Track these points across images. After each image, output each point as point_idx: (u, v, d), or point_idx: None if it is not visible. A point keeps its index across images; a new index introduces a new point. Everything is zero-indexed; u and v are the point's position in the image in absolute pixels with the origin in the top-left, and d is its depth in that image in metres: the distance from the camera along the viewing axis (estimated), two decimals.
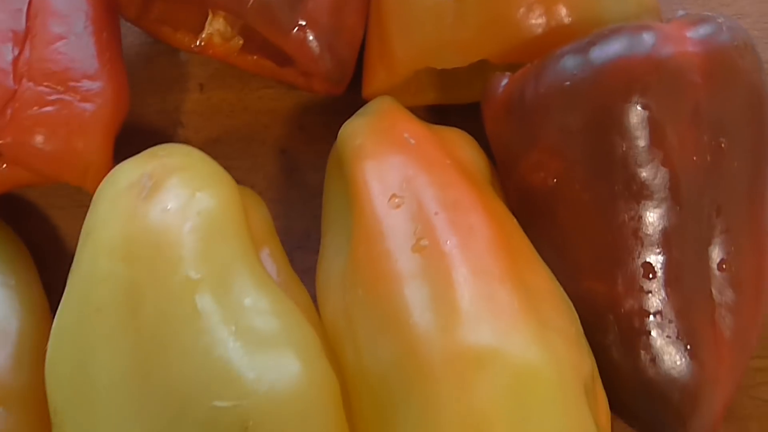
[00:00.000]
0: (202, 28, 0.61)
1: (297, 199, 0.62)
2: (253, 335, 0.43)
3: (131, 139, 0.54)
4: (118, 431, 0.41)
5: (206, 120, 0.64)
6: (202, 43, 0.61)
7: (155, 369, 0.41)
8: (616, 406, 0.49)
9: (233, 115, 0.65)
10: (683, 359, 0.48)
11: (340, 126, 0.56)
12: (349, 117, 0.56)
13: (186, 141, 0.61)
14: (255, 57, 0.62)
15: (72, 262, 0.55)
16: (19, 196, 0.61)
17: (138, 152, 0.51)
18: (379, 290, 0.45)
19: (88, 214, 0.47)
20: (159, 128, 0.64)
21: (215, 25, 0.60)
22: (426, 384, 0.41)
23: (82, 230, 0.46)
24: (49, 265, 0.56)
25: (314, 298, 0.51)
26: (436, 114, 0.60)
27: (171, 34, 0.63)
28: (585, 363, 0.46)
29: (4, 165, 0.54)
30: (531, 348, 0.42)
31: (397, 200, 0.48)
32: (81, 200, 0.58)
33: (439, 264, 0.45)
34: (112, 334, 0.42)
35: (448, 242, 0.45)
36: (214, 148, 0.54)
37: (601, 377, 0.49)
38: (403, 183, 0.49)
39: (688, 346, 0.47)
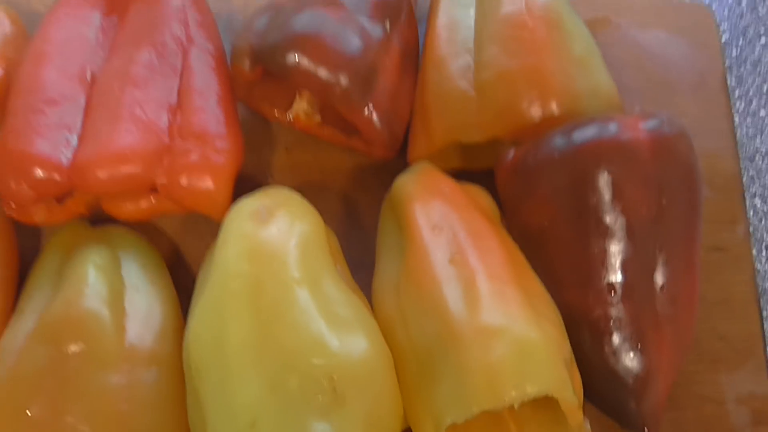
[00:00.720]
0: (291, 107, 0.71)
1: (354, 234, 0.70)
2: (336, 318, 0.54)
3: (236, 184, 0.63)
4: (243, 377, 0.51)
5: (290, 174, 0.73)
6: (291, 118, 0.71)
7: (271, 336, 0.52)
8: (586, 392, 0.56)
9: (310, 171, 0.73)
10: (636, 354, 0.57)
11: (390, 181, 0.65)
12: (396, 175, 0.65)
13: None
14: (329, 129, 0.71)
15: (183, 269, 0.66)
16: (152, 223, 0.70)
17: (242, 195, 0.60)
18: (426, 289, 0.56)
19: (220, 233, 0.57)
20: (255, 178, 0.72)
21: (301, 105, 0.70)
22: (458, 350, 0.52)
23: (217, 243, 0.57)
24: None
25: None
26: (459, 176, 0.66)
27: (267, 109, 0.72)
28: (565, 345, 0.56)
29: (153, 199, 0.64)
30: (529, 328, 0.53)
31: (437, 230, 0.59)
32: (195, 228, 0.69)
33: (467, 272, 0.55)
34: (241, 312, 0.53)
35: (473, 258, 0.56)
36: None
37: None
38: (441, 218, 0.59)
39: (639, 345, 0.57)
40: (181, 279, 0.65)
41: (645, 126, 0.60)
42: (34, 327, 0.57)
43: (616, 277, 0.58)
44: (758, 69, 0.82)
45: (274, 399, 0.50)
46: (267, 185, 0.67)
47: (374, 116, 0.66)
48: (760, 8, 0.84)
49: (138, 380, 0.55)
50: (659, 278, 0.58)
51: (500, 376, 0.51)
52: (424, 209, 0.61)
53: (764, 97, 0.80)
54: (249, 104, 0.73)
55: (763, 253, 0.73)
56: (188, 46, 0.68)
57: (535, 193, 0.61)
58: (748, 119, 0.80)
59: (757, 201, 0.76)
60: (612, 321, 0.58)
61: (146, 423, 0.55)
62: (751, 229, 0.74)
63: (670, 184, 0.59)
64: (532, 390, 0.50)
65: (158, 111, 0.63)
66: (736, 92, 0.82)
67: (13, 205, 0.63)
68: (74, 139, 0.62)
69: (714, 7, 0.85)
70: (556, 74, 0.65)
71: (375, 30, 0.68)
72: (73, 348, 0.55)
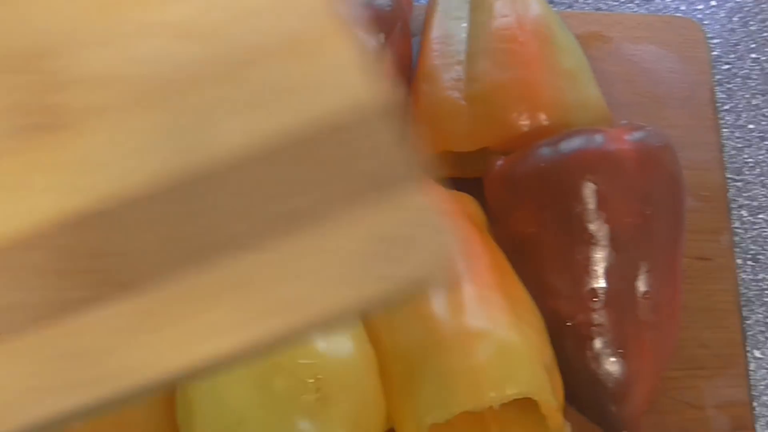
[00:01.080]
0: None
1: None
2: None
3: None
4: (231, 376, 0.52)
5: None
6: None
7: None
8: (569, 396, 0.58)
9: None
10: (617, 359, 0.58)
11: None
12: None
13: None
14: None
15: None
16: None
17: None
18: None
19: None
20: None
21: None
22: (441, 353, 0.53)
23: None
24: None
25: None
26: (450, 183, 0.65)
27: None
28: (547, 351, 0.57)
29: None
30: (510, 332, 0.54)
31: None
32: None
33: (452, 276, 0.55)
34: None
35: (459, 263, 0.57)
36: None
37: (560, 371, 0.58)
38: None
39: (620, 350, 0.58)
40: None
41: (630, 138, 0.61)
42: None
43: (599, 283, 0.58)
44: (748, 83, 0.84)
45: (261, 398, 0.52)
46: None
47: None
48: (751, 24, 0.86)
49: None
50: (641, 286, 0.59)
51: (481, 377, 0.52)
52: None
53: (753, 111, 0.82)
54: None
55: (748, 263, 0.74)
56: None
57: (523, 202, 0.62)
58: (737, 132, 0.81)
59: (744, 212, 0.77)
60: (594, 326, 0.58)
61: (135, 420, 0.57)
62: (736, 239, 0.75)
63: (654, 195, 0.60)
64: (511, 391, 0.52)
65: None
66: (726, 106, 0.83)
67: None
68: None
69: (706, 23, 0.87)
70: (546, 87, 0.66)
71: (367, 42, 0.69)
72: None
